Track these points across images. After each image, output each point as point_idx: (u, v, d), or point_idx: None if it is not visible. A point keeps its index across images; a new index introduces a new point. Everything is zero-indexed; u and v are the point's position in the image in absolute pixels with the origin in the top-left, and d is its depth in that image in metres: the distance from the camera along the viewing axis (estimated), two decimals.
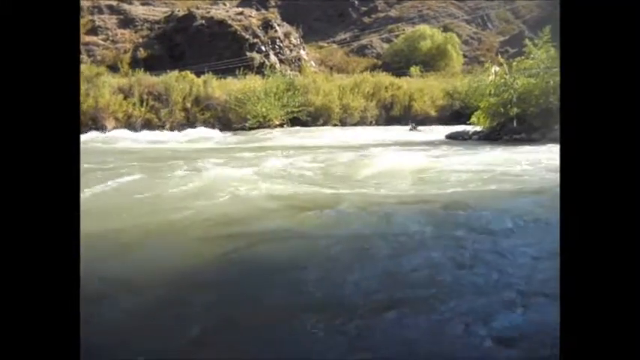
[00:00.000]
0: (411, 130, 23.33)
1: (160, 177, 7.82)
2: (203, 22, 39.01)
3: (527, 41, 18.00)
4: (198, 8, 41.12)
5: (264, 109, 25.82)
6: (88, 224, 2.69)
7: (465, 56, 52.08)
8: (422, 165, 9.32)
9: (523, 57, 17.68)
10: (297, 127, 25.62)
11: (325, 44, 52.90)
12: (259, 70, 33.39)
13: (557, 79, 15.96)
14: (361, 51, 52.75)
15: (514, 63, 17.80)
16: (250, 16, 40.70)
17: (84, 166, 7.82)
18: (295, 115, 26.98)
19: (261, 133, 22.43)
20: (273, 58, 38.04)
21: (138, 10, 44.66)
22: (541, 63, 16.88)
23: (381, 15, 58.74)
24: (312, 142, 17.30)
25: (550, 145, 12.75)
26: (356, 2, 59.44)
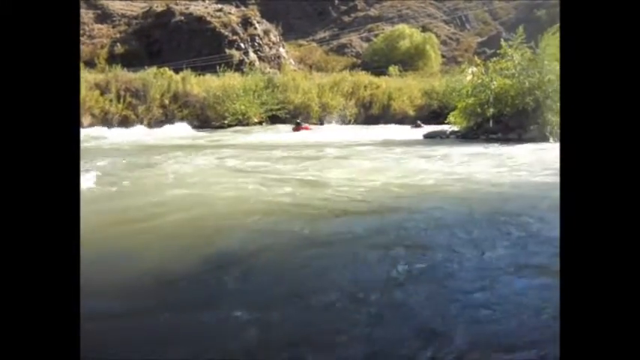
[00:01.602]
0: (294, 130, 22.05)
1: None
2: (182, 18, 38.62)
3: (503, 42, 18.24)
4: (177, 4, 40.69)
5: (242, 107, 25.71)
6: None
7: (443, 56, 52.45)
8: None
9: (499, 58, 17.90)
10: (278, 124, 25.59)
11: (305, 42, 52.81)
12: (238, 67, 33.21)
13: (533, 80, 16.22)
14: (340, 50, 52.77)
15: (490, 64, 18.01)
16: (230, 13, 40.40)
17: None
18: (274, 112, 26.93)
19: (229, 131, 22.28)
20: (252, 55, 37.84)
21: (115, 5, 44.01)
22: (518, 65, 17.10)
23: (361, 14, 58.84)
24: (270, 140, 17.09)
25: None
26: (336, 1, 59.47)
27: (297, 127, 21.90)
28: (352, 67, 41.17)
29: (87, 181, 6.30)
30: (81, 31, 39.05)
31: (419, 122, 25.20)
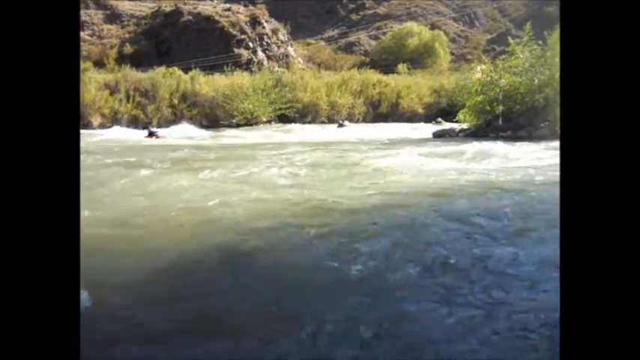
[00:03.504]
0: (147, 137, 19.39)
1: None
2: (190, 17, 38.71)
3: (510, 40, 18.17)
4: (185, 4, 40.80)
5: (251, 106, 25.73)
6: None
7: (452, 54, 52.18)
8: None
9: (508, 55, 17.83)
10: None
11: (313, 41, 52.74)
12: (247, 66, 33.26)
13: (542, 77, 16.11)
14: (349, 48, 52.66)
15: (499, 61, 17.94)
16: (238, 12, 40.44)
17: None
18: (283, 111, 26.92)
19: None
20: (260, 54, 37.88)
21: (124, 6, 44.20)
22: (526, 61, 17.02)
23: (369, 12, 58.68)
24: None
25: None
26: None
27: (150, 135, 19.53)
28: (361, 65, 40.98)
29: None
30: (90, 32, 39.35)
31: (342, 122, 25.58)
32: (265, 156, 11.04)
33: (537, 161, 9.56)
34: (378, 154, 11.51)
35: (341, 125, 25.41)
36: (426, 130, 21.29)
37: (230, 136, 20.19)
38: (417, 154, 10.92)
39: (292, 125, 25.32)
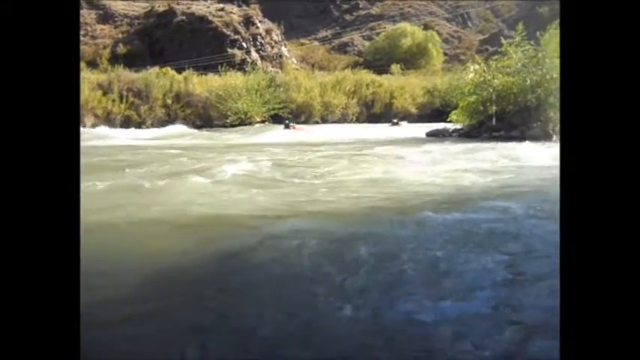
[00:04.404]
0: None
1: None
2: (184, 18, 38.60)
3: (503, 40, 18.26)
4: (178, 4, 40.68)
5: (244, 106, 25.69)
6: None
7: (445, 54, 52.36)
8: None
9: (500, 55, 17.91)
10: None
11: (307, 41, 52.73)
12: (240, 66, 33.19)
13: (535, 77, 16.17)
14: (342, 48, 52.72)
15: (492, 62, 18.01)
16: (231, 12, 40.36)
17: None
18: (277, 112, 26.90)
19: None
20: (254, 54, 37.81)
21: (117, 6, 43.99)
22: (518, 62, 17.09)
23: (363, 12, 58.76)
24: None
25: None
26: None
27: None
28: (354, 65, 41.03)
29: None
30: (84, 32, 39.10)
31: (289, 123, 23.55)
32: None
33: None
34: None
35: (287, 126, 22.38)
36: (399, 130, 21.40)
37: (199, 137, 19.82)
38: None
39: (273, 126, 24.75)
